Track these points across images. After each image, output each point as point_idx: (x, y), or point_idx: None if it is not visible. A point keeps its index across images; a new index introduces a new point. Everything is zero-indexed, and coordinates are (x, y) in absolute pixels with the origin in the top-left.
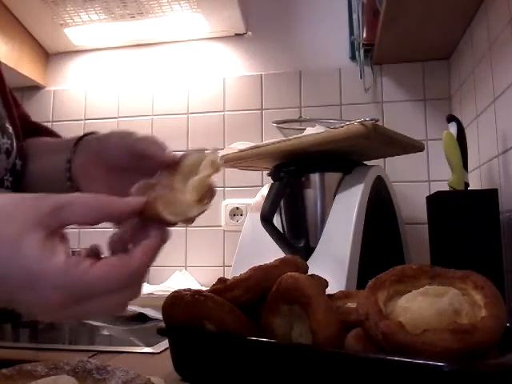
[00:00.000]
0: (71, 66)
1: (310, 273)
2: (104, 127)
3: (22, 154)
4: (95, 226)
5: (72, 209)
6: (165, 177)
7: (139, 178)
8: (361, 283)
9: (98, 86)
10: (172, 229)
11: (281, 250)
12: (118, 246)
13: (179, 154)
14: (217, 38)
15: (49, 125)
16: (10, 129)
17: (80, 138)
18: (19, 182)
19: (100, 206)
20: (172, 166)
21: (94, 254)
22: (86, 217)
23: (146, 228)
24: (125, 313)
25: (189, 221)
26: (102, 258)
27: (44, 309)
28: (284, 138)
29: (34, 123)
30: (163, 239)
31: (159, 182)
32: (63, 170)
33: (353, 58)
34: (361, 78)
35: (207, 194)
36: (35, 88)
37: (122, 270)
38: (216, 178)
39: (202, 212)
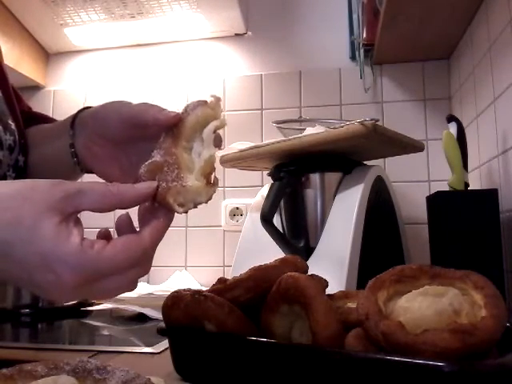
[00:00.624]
0: (71, 66)
1: (310, 273)
2: None
3: (24, 150)
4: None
5: (84, 196)
6: (168, 144)
7: (146, 146)
8: (361, 283)
9: (98, 85)
10: (172, 229)
11: (281, 250)
12: (126, 226)
13: (179, 110)
14: (217, 37)
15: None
16: (13, 125)
17: (74, 119)
18: (22, 178)
19: (111, 194)
20: (175, 126)
21: (104, 237)
22: (97, 203)
23: (154, 209)
24: (132, 289)
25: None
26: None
27: (61, 289)
28: (284, 138)
29: (36, 113)
30: (170, 219)
31: (165, 160)
32: (68, 155)
33: (353, 58)
34: (361, 78)
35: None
36: (35, 88)
37: (131, 250)
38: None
39: (210, 198)
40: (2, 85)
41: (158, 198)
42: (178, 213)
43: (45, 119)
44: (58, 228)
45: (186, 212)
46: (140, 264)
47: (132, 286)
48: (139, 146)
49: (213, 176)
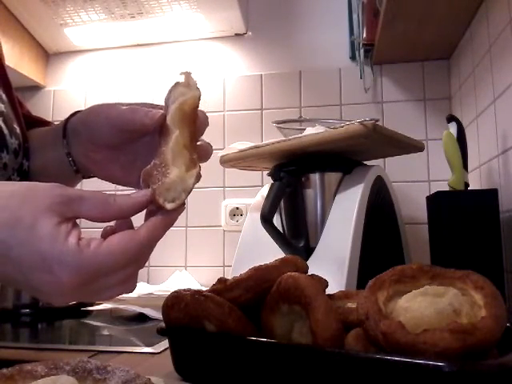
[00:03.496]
0: (71, 66)
1: (310, 273)
2: None
3: (27, 155)
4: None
5: (84, 203)
6: (160, 144)
7: (143, 141)
8: (361, 283)
9: (98, 86)
10: (172, 229)
11: (281, 250)
12: (126, 225)
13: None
14: (217, 37)
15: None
16: (18, 129)
17: (65, 127)
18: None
19: (110, 204)
20: (163, 125)
21: (109, 234)
22: (97, 212)
23: (155, 210)
24: (131, 291)
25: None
26: None
27: (59, 291)
28: (284, 138)
29: (36, 118)
30: (170, 216)
31: (154, 164)
32: (67, 163)
33: (353, 58)
34: (361, 78)
35: (201, 153)
36: (35, 88)
37: (127, 245)
38: (216, 178)
39: (198, 178)
40: (6, 89)
41: (154, 203)
42: (170, 209)
43: (42, 123)
44: (56, 229)
45: (182, 205)
46: (137, 260)
47: (131, 285)
48: (136, 144)
49: (195, 156)
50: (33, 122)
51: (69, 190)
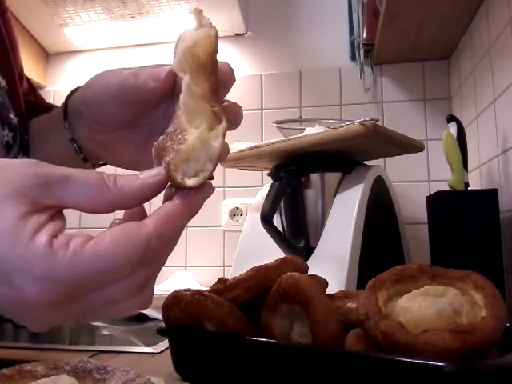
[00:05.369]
0: (71, 66)
1: (310, 273)
2: None
3: (26, 148)
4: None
5: (66, 186)
6: (172, 110)
7: (156, 111)
8: (361, 283)
9: None
10: None
11: (281, 250)
12: (137, 215)
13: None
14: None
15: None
16: (15, 120)
17: (65, 109)
18: None
19: (108, 188)
20: (175, 84)
21: (136, 218)
22: (89, 199)
23: (172, 194)
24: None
25: (222, 158)
26: None
27: (25, 310)
28: (284, 138)
29: (34, 103)
30: (195, 200)
31: (167, 134)
32: (72, 151)
33: (353, 58)
34: (361, 78)
35: (228, 115)
36: None
37: (127, 243)
38: (216, 178)
39: (225, 132)
40: (6, 73)
41: (171, 182)
42: (193, 188)
43: (46, 108)
44: (21, 223)
45: (211, 178)
46: (146, 261)
47: (146, 297)
48: (150, 117)
49: (217, 109)
50: (38, 109)
51: (48, 168)
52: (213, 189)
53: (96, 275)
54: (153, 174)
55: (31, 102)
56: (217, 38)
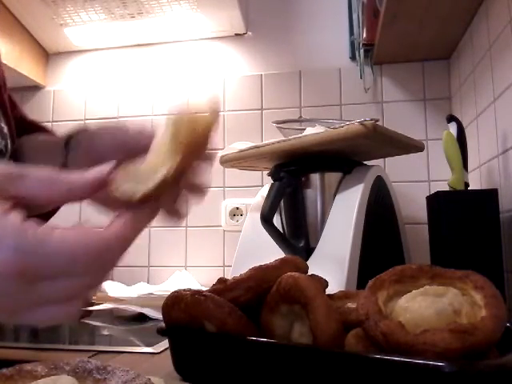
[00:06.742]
0: (71, 66)
1: (310, 273)
2: None
3: (15, 156)
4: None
5: (22, 180)
6: None
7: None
8: (361, 283)
9: (98, 85)
10: (172, 229)
11: (281, 250)
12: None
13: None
14: (217, 37)
15: (49, 125)
16: (5, 129)
17: (69, 139)
18: None
19: (59, 180)
20: None
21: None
22: (38, 189)
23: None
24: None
25: (159, 189)
26: None
27: None
28: (284, 138)
29: (31, 122)
30: (143, 212)
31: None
32: None
33: (353, 58)
34: (361, 77)
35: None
36: (35, 88)
37: (89, 239)
38: (216, 178)
39: (174, 179)
40: None
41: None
42: (118, 196)
43: (38, 128)
44: None
45: (145, 201)
46: (100, 263)
47: (73, 307)
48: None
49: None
50: (28, 126)
51: (9, 165)
52: (153, 211)
53: (59, 259)
54: (97, 170)
55: (21, 118)
56: (215, 122)
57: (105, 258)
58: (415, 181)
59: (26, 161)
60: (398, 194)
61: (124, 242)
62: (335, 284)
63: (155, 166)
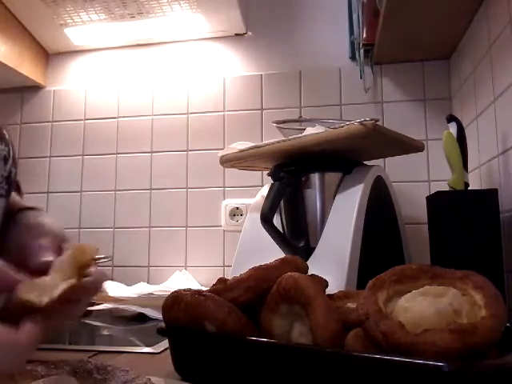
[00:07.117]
0: (71, 66)
1: (310, 273)
2: (104, 127)
3: (15, 162)
4: None
5: None
6: None
7: None
8: (361, 283)
9: (98, 85)
10: (172, 229)
11: (281, 250)
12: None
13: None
14: (217, 37)
15: (49, 125)
16: (7, 135)
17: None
18: (14, 190)
19: None
20: None
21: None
22: None
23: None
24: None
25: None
26: None
27: None
28: (284, 138)
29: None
30: (41, 325)
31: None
32: None
33: (353, 58)
34: (361, 77)
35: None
36: (35, 88)
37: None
38: (216, 178)
39: (69, 288)
40: None
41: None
42: (31, 305)
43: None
44: None
45: (42, 305)
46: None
47: None
48: None
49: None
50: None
51: None
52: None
53: None
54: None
55: None
56: (93, 259)
57: (10, 354)
58: (415, 181)
59: None
60: (398, 194)
61: (31, 344)
62: (335, 284)
63: (53, 280)
